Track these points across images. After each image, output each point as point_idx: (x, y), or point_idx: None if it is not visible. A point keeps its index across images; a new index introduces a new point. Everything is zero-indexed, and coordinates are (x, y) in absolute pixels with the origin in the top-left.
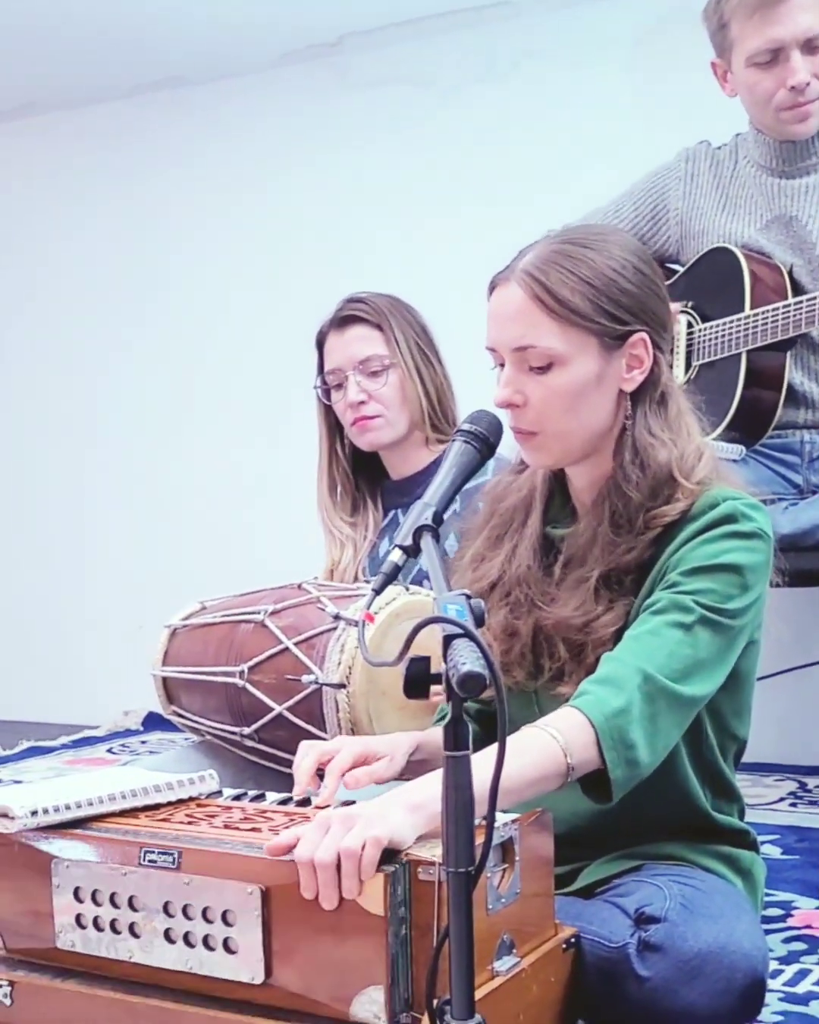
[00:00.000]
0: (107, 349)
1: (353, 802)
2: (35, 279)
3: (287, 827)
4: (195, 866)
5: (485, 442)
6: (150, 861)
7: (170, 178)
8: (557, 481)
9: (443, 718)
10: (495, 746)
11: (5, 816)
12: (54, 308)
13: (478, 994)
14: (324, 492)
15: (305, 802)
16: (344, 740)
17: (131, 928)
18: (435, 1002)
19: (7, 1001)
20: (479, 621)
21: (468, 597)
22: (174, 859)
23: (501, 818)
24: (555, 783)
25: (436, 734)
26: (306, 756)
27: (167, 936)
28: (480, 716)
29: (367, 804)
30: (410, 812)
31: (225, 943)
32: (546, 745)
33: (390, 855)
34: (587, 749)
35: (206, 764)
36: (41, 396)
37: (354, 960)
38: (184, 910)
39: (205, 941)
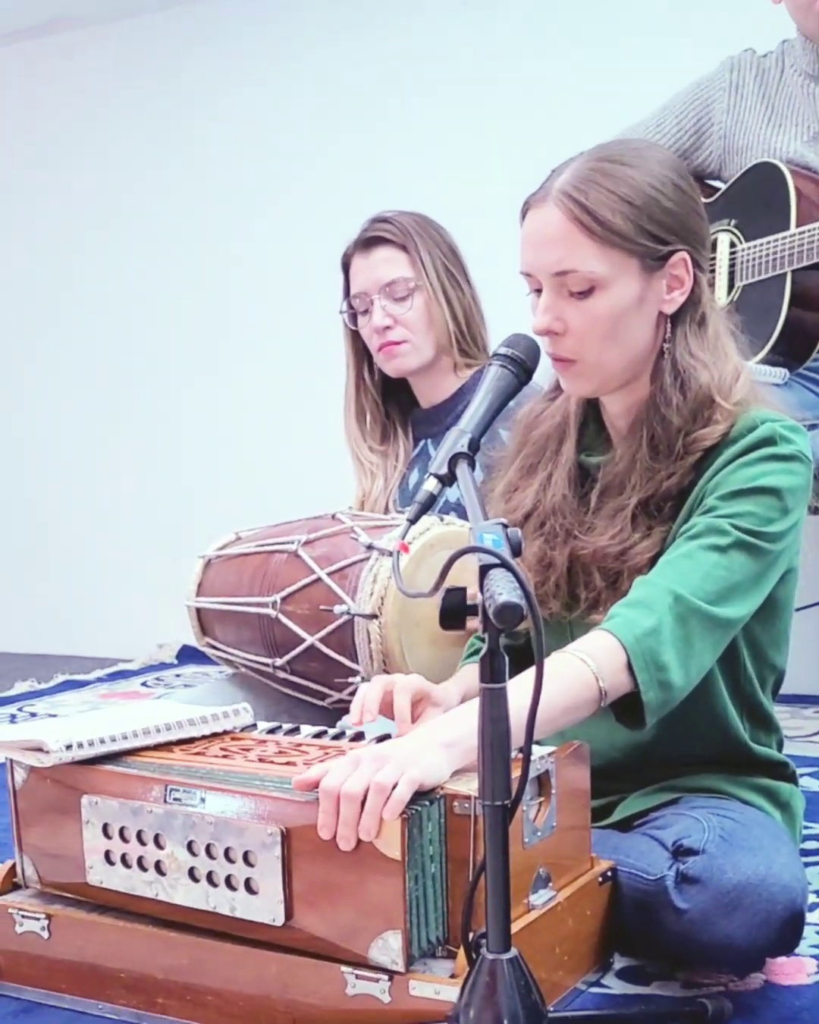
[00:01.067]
0: (139, 273)
1: (389, 736)
2: (63, 197)
3: (322, 760)
4: (217, 806)
5: (522, 367)
6: (174, 799)
7: (199, 93)
8: (591, 408)
9: (473, 654)
10: (528, 675)
11: (40, 750)
12: (81, 230)
13: (514, 927)
14: (352, 420)
15: (341, 736)
16: (400, 678)
17: (157, 866)
18: (471, 935)
19: (44, 934)
20: (516, 551)
21: (505, 526)
22: (199, 798)
23: (537, 751)
24: (589, 709)
25: (471, 681)
26: (373, 687)
27: (191, 875)
28: (511, 651)
29: (399, 742)
30: (444, 750)
31: (247, 884)
32: (577, 670)
33: (420, 794)
34: (619, 672)
35: (240, 697)
36: (77, 319)
37: (371, 905)
38: (207, 850)
39: (228, 881)
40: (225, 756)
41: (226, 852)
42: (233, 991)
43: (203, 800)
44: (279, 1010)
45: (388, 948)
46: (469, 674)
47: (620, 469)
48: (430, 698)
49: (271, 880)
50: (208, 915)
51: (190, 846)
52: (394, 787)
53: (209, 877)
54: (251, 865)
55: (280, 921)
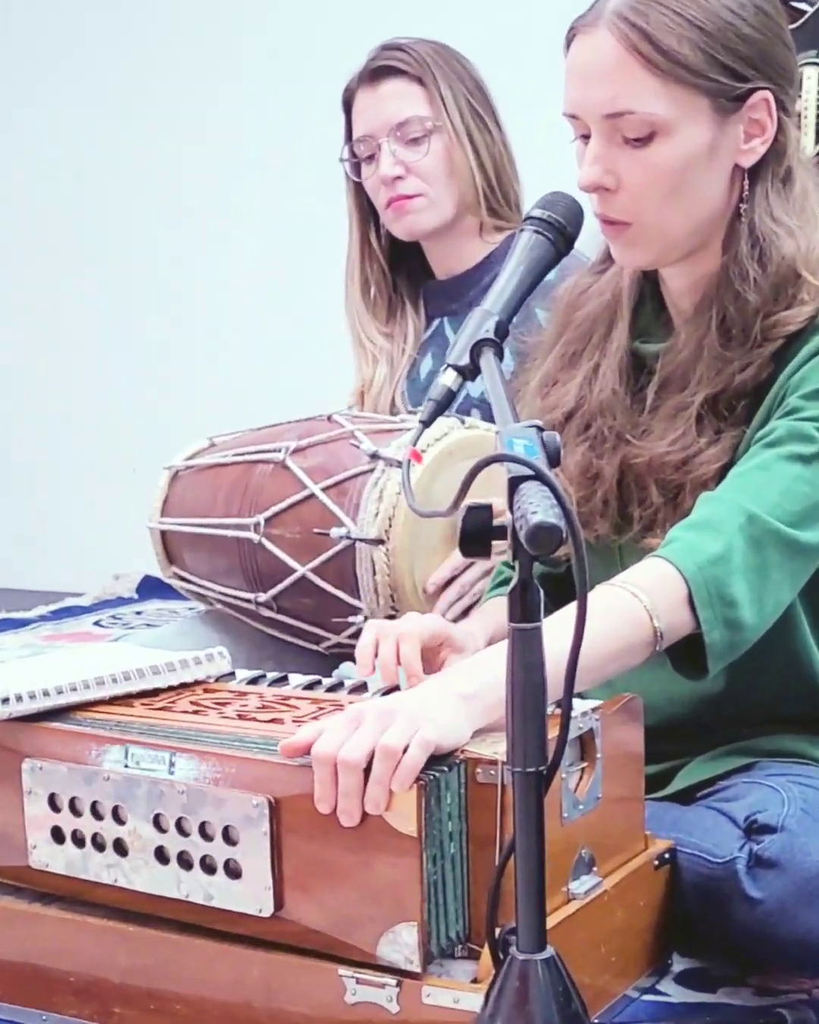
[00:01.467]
0: (88, 140)
1: (397, 688)
2: (37, 72)
3: (317, 718)
4: (191, 770)
5: (562, 233)
6: (137, 763)
7: None
8: (649, 283)
9: (501, 583)
10: (568, 612)
11: None
12: (30, 90)
13: (550, 921)
14: (355, 293)
15: (338, 687)
16: (415, 617)
17: (117, 845)
18: (498, 931)
19: None
20: (553, 460)
21: (540, 430)
22: (166, 761)
23: (579, 706)
24: (640, 654)
25: (499, 619)
26: (371, 633)
27: (159, 856)
28: (547, 581)
29: (408, 695)
30: (464, 704)
31: (227, 866)
32: (627, 607)
33: (436, 759)
34: (677, 608)
35: (215, 639)
36: (21, 197)
37: (380, 890)
38: (178, 825)
39: (204, 863)
40: (196, 712)
41: (202, 828)
42: (207, 998)
43: (172, 764)
44: (263, 1022)
45: (401, 943)
46: (495, 611)
47: (683, 359)
48: (449, 641)
49: (257, 861)
50: (179, 905)
51: (157, 820)
52: (404, 751)
53: (180, 858)
54: (232, 843)
55: (268, 911)
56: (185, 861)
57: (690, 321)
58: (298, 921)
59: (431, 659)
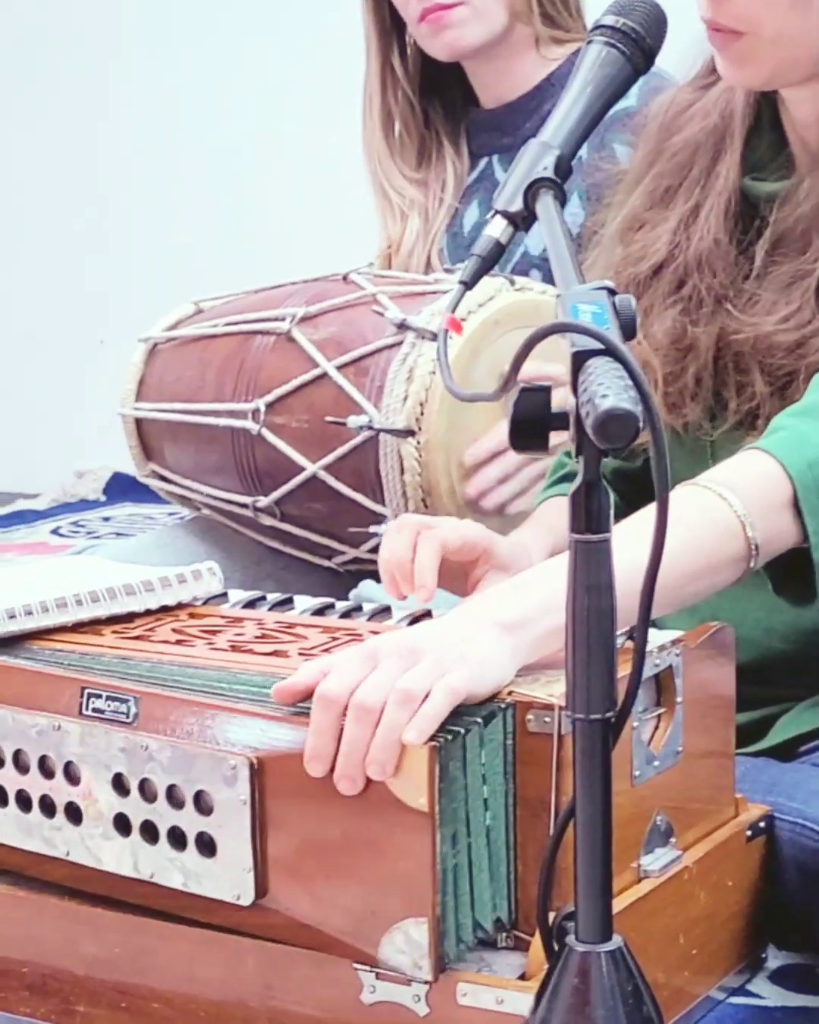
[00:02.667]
0: None
1: (428, 614)
2: None
3: (330, 651)
4: (158, 722)
5: (639, 45)
6: (94, 710)
7: None
8: (766, 105)
9: (560, 479)
10: (642, 520)
11: None
12: None
13: (617, 905)
14: (375, 132)
15: (355, 612)
16: (449, 520)
17: (69, 811)
18: (552, 916)
19: None
20: (628, 330)
21: (611, 293)
22: (129, 709)
23: (656, 637)
24: (731, 572)
25: (557, 527)
26: (403, 533)
27: (119, 826)
28: (617, 480)
29: (441, 625)
30: (508, 635)
31: (200, 841)
32: (715, 512)
33: (470, 705)
34: (779, 515)
35: (203, 553)
36: None
37: (385, 878)
38: (142, 788)
39: (172, 837)
40: (180, 642)
41: (170, 792)
42: (190, 995)
43: (135, 712)
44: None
45: (407, 944)
46: (553, 517)
47: (806, 211)
48: (490, 554)
49: (235, 837)
50: (143, 887)
51: (118, 781)
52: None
53: (145, 829)
54: (205, 813)
55: (248, 899)
56: (150, 832)
57: (817, 159)
58: (285, 912)
59: (467, 576)
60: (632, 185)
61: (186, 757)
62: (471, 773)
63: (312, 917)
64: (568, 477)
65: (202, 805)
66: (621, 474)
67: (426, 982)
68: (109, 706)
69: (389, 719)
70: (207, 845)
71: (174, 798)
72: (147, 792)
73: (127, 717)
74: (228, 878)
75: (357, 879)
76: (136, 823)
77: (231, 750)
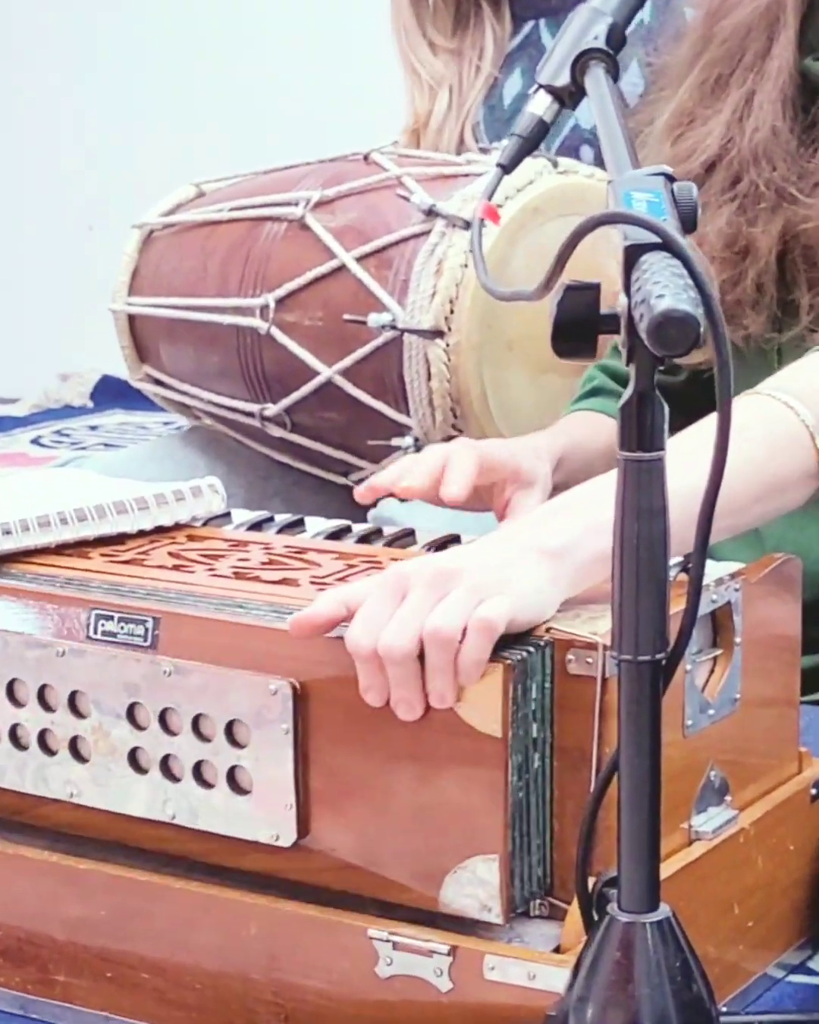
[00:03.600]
0: None
1: (457, 539)
2: None
3: (345, 580)
4: (182, 644)
5: None
6: (105, 634)
7: None
8: None
9: (589, 394)
10: (699, 434)
11: None
12: None
13: (666, 870)
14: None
15: (374, 536)
16: (467, 442)
17: (74, 747)
18: (592, 882)
19: None
20: (689, 221)
21: (670, 179)
22: (146, 631)
23: (714, 569)
24: (798, 492)
25: (593, 432)
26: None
27: (134, 762)
28: (668, 395)
29: (472, 550)
30: (549, 563)
31: (232, 778)
32: (781, 424)
33: (512, 638)
34: None
35: (203, 467)
36: None
37: (449, 812)
38: (162, 719)
39: (197, 773)
40: (177, 568)
41: (196, 723)
42: (185, 965)
43: (155, 633)
44: (262, 999)
45: (477, 882)
46: (574, 425)
47: None
48: (517, 475)
49: (275, 770)
50: (163, 830)
51: (132, 713)
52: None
53: (164, 765)
54: (238, 745)
55: (289, 839)
56: (171, 771)
57: None
58: (330, 853)
59: (490, 500)
60: (679, 79)
61: (218, 682)
62: (530, 704)
63: (361, 858)
64: (596, 392)
65: (235, 737)
66: (668, 388)
67: (490, 928)
68: (122, 628)
69: (434, 660)
70: (240, 781)
71: (201, 730)
72: (169, 724)
73: (145, 640)
74: (265, 817)
75: (415, 814)
76: (155, 759)
77: (270, 673)
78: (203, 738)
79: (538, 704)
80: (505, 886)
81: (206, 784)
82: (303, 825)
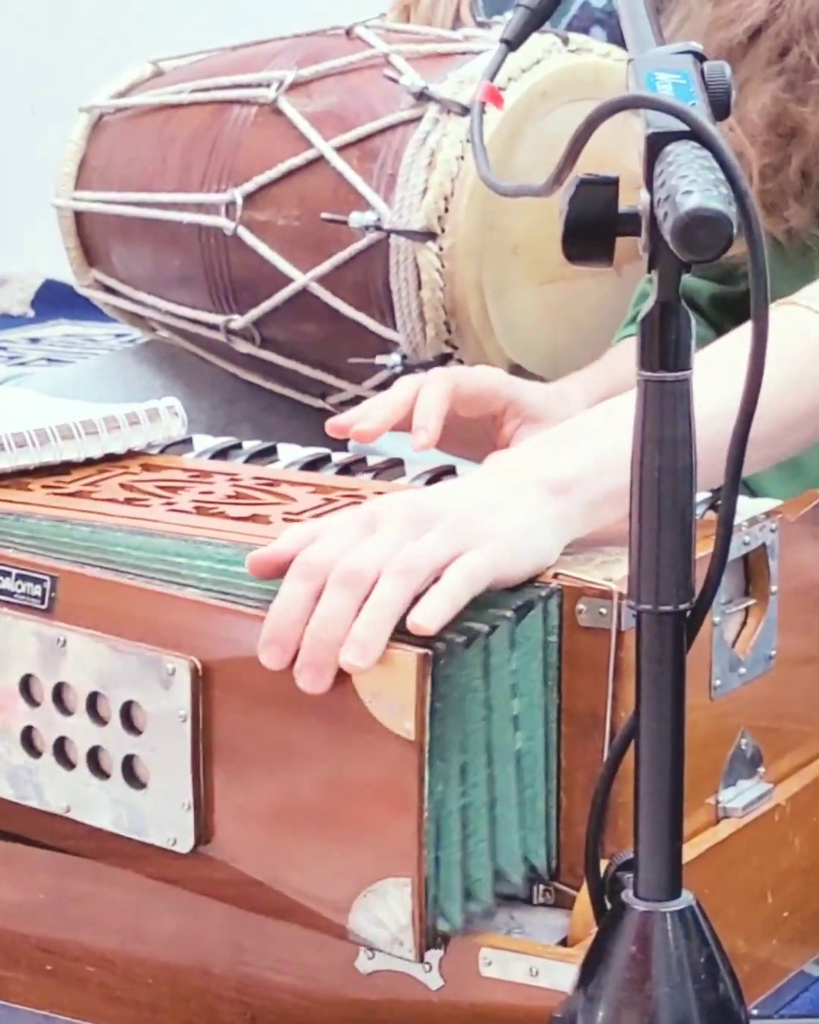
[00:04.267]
0: None
1: (452, 471)
2: None
3: (320, 515)
4: (80, 609)
5: None
6: (2, 593)
7: None
8: None
9: (634, 319)
10: (722, 353)
11: None
12: None
13: (688, 852)
14: None
15: (355, 466)
16: (446, 372)
17: None
18: (605, 865)
19: None
20: (721, 108)
21: (699, 58)
22: (43, 591)
23: (746, 507)
24: None
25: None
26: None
27: (27, 742)
28: (714, 309)
29: (461, 485)
30: (552, 499)
31: (128, 768)
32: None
33: (491, 599)
34: None
35: (159, 387)
36: None
37: (359, 824)
38: (57, 695)
39: (92, 761)
40: (130, 501)
41: (91, 703)
42: (135, 957)
43: (52, 595)
44: (225, 997)
45: (384, 912)
46: (617, 358)
47: None
48: (517, 406)
49: (172, 763)
50: (59, 825)
51: (27, 686)
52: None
53: (59, 750)
54: (135, 731)
55: (186, 845)
56: (65, 756)
57: None
58: (232, 864)
59: (492, 439)
60: None
61: (112, 657)
62: (496, 683)
63: (267, 873)
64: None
65: (131, 720)
66: (718, 302)
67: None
68: (19, 587)
69: (383, 592)
70: (137, 773)
71: (96, 710)
72: (63, 701)
73: (41, 601)
74: (162, 817)
75: (324, 824)
76: (48, 741)
77: (170, 649)
78: (99, 720)
79: (532, 667)
80: (419, 918)
81: (102, 773)
82: (203, 829)
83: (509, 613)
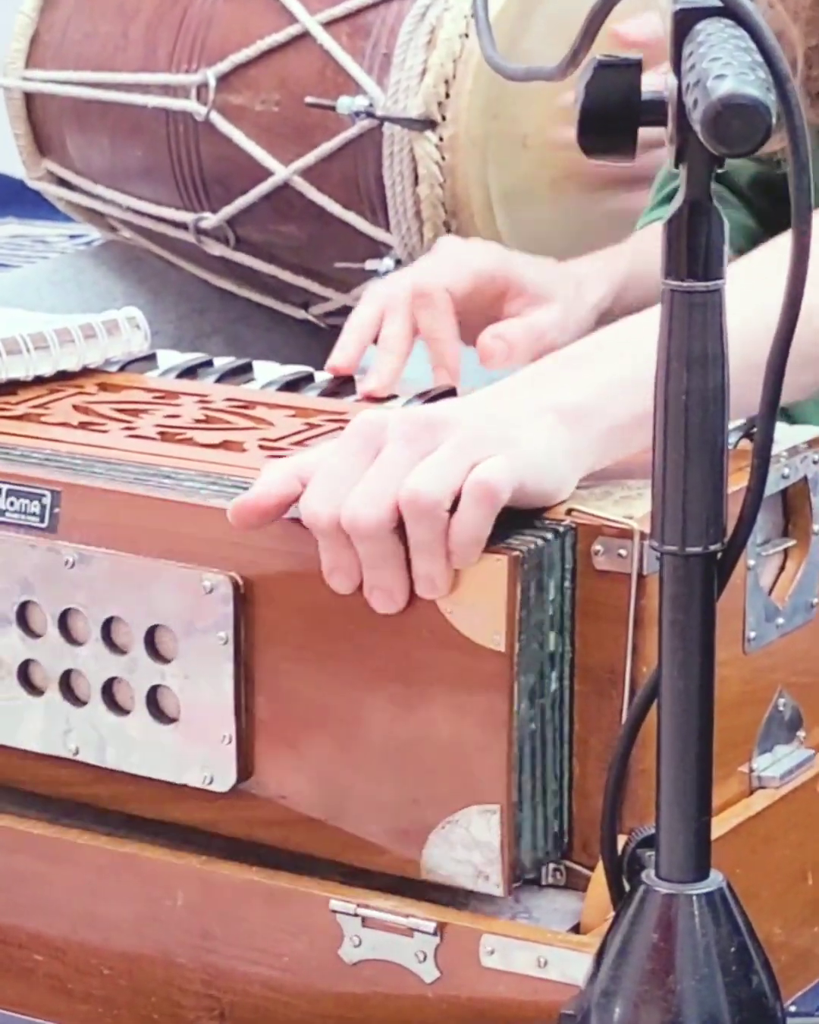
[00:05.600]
0: None
1: (452, 392)
2: None
3: (302, 442)
4: (90, 526)
5: None
6: None
7: None
8: None
9: (664, 201)
10: (760, 262)
11: None
12: None
13: (718, 827)
14: None
15: (346, 383)
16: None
17: None
18: (623, 842)
19: None
20: None
21: None
22: (43, 508)
23: (785, 436)
24: None
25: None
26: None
27: (26, 680)
28: (756, 192)
29: (465, 402)
30: (565, 427)
31: (153, 700)
32: None
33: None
34: None
35: (120, 295)
36: None
37: (436, 749)
38: (62, 622)
39: (108, 694)
40: (84, 426)
41: (106, 630)
42: (90, 945)
43: (53, 511)
44: (190, 990)
45: (470, 843)
46: (643, 241)
47: None
48: (521, 288)
49: (209, 693)
50: (63, 769)
51: (23, 616)
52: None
53: (65, 684)
54: (162, 659)
55: (226, 783)
56: (74, 691)
57: None
58: (280, 801)
59: (496, 316)
60: None
61: (135, 575)
62: (547, 608)
63: (322, 808)
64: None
65: (158, 648)
66: (760, 184)
67: (494, 896)
68: (12, 504)
69: (417, 534)
70: (164, 706)
71: (112, 638)
72: (72, 630)
73: (41, 520)
74: (196, 753)
75: (391, 751)
76: (53, 676)
77: (205, 566)
78: (116, 649)
79: (556, 608)
80: (507, 847)
81: (120, 709)
82: (245, 764)
83: (547, 536)
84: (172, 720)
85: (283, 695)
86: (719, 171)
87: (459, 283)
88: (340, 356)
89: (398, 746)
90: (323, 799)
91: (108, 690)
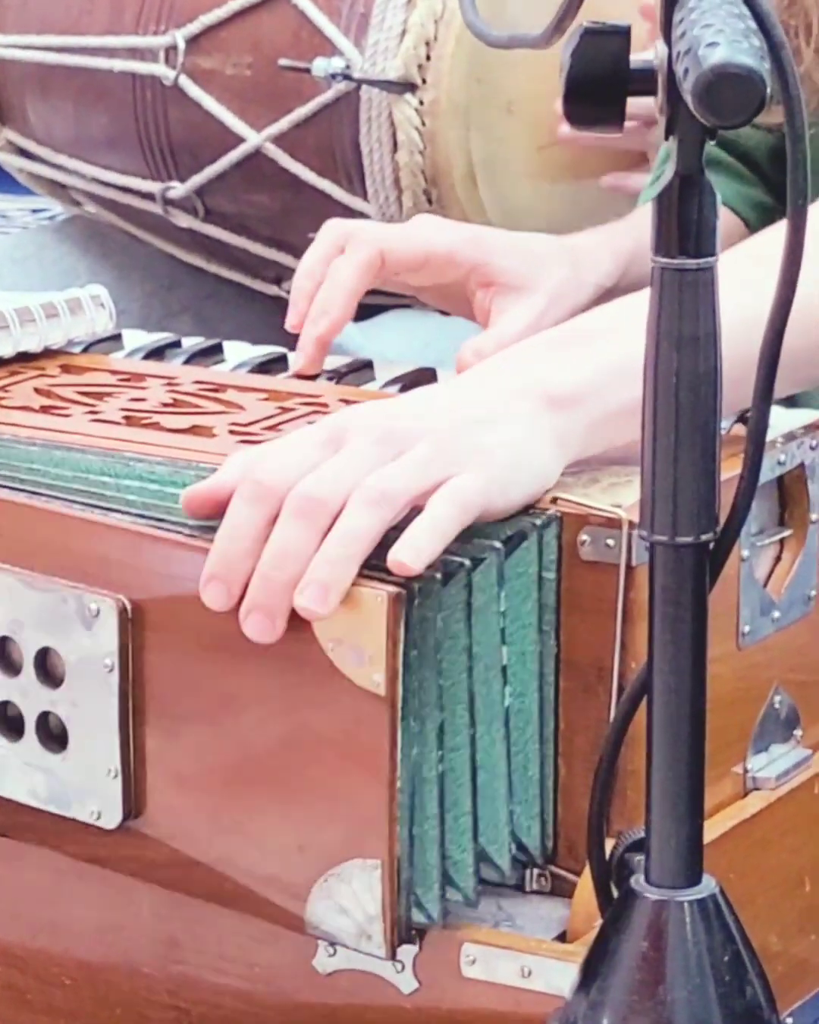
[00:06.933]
0: None
1: (432, 375)
2: None
3: (275, 427)
4: None
5: None
6: None
7: None
8: None
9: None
10: (759, 243)
11: None
12: None
13: (711, 830)
14: None
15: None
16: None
17: None
18: (612, 845)
19: None
20: None
21: None
22: None
23: (781, 420)
24: None
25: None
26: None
27: None
28: (775, 164)
29: (443, 394)
30: (551, 414)
31: (43, 727)
32: None
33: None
34: None
35: (83, 271)
36: None
37: (320, 797)
38: None
39: (5, 718)
40: (46, 410)
41: (2, 649)
42: (50, 954)
43: None
44: (157, 1001)
45: (350, 898)
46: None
47: None
48: (486, 274)
49: (95, 722)
50: None
51: None
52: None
53: None
54: (52, 683)
55: (113, 820)
56: None
57: None
58: (168, 842)
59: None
60: None
61: (24, 594)
62: (481, 628)
63: (209, 853)
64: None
65: (49, 670)
66: (782, 159)
67: (375, 957)
68: None
69: (349, 523)
70: (54, 733)
71: (9, 659)
72: None
73: None
74: (84, 786)
75: (278, 796)
76: None
77: (94, 585)
78: (11, 669)
79: (524, 607)
80: (389, 906)
81: (12, 733)
82: (133, 801)
83: (497, 544)
84: (62, 748)
85: (174, 729)
86: (735, 146)
87: (403, 253)
88: (292, 316)
89: (281, 791)
90: (210, 844)
91: (4, 713)
